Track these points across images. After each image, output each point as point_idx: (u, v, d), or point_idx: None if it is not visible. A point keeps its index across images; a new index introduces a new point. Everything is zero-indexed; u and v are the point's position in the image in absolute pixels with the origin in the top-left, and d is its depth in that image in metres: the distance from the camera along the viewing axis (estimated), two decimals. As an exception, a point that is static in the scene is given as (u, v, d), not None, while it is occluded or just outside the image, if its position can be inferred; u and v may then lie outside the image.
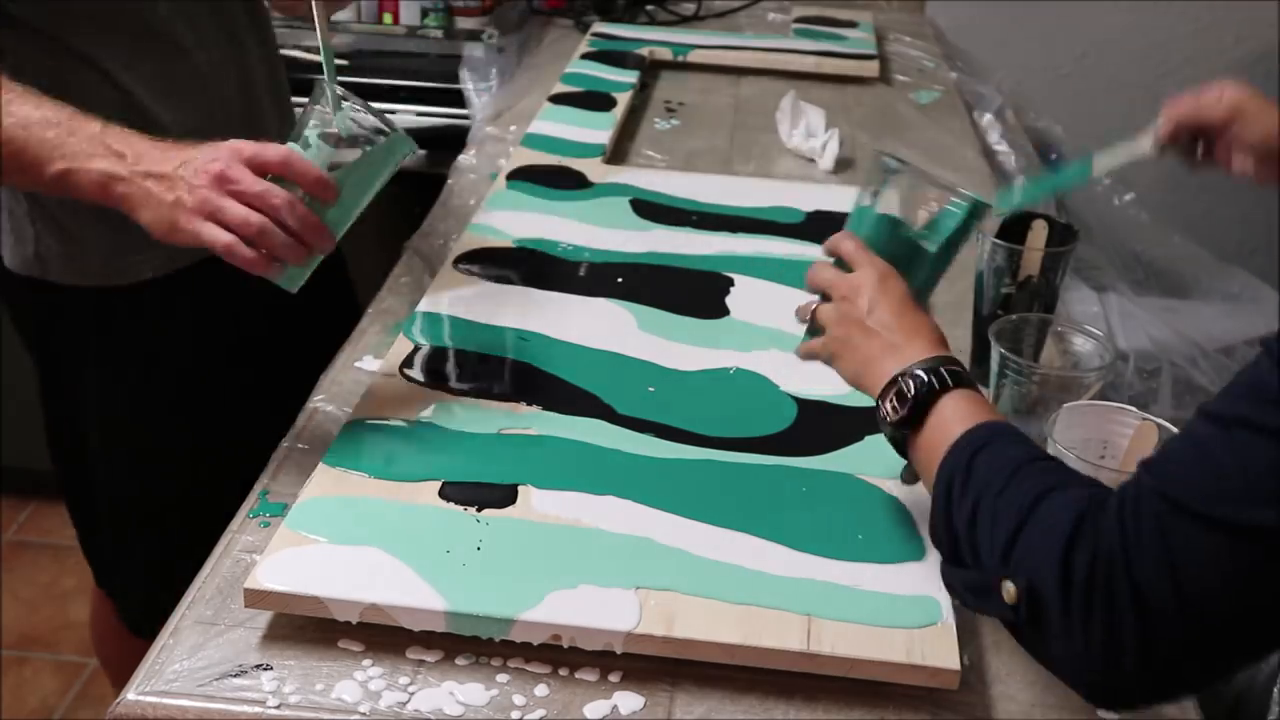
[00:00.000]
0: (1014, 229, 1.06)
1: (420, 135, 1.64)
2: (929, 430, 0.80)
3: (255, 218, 0.89)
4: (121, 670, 0.91)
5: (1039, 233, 1.06)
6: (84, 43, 1.11)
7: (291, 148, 0.92)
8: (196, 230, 0.90)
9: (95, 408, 1.24)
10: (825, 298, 0.92)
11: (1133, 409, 0.86)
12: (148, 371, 1.23)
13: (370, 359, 1.13)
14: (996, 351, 0.94)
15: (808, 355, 0.93)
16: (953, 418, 0.79)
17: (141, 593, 1.30)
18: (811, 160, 1.61)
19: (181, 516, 1.10)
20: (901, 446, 0.83)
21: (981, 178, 1.63)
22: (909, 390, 0.80)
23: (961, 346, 1.22)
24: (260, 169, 0.91)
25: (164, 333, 1.24)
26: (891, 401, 0.82)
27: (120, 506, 1.28)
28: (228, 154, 0.91)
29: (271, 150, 0.91)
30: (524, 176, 1.46)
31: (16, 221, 1.19)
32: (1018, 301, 1.05)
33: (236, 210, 0.89)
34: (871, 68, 1.94)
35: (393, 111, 1.91)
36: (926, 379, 0.80)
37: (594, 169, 1.50)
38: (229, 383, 1.25)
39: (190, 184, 0.90)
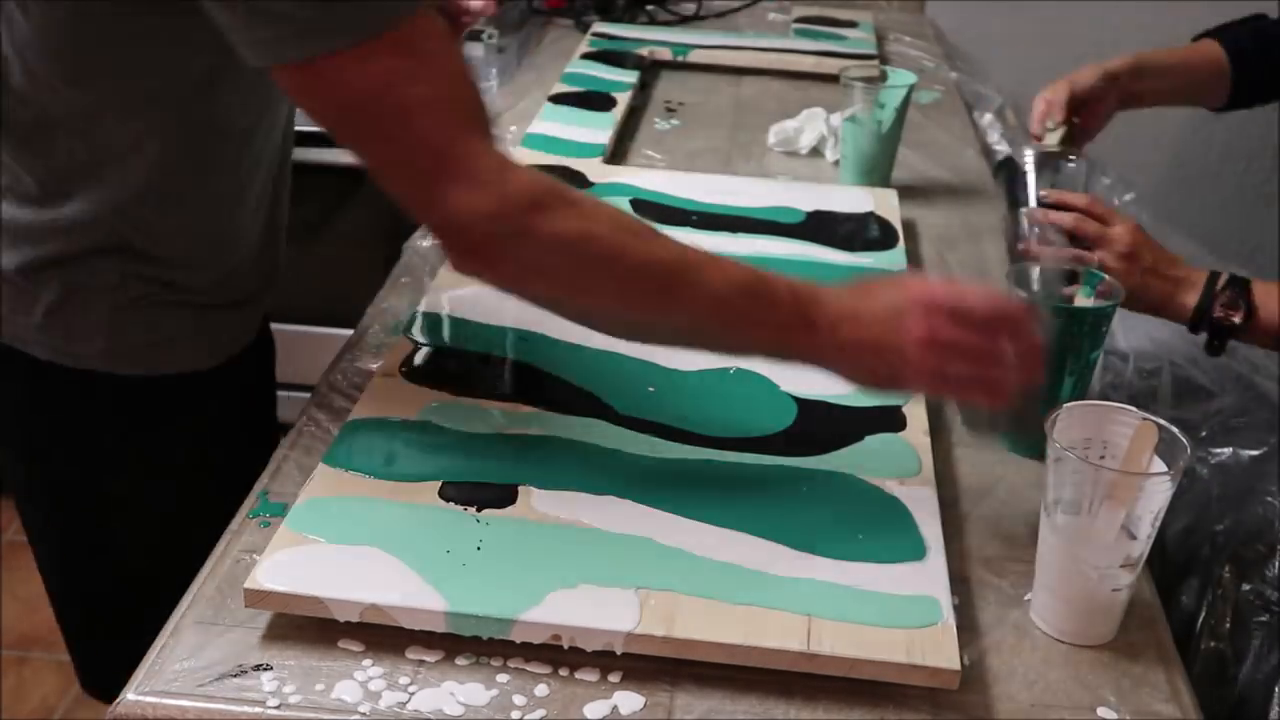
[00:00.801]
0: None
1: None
2: (1262, 311, 1.15)
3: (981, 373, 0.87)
4: None
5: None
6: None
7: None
8: (923, 389, 0.97)
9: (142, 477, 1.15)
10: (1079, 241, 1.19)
11: (1133, 409, 0.86)
12: (193, 454, 1.15)
13: (370, 359, 1.13)
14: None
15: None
16: (1266, 294, 1.15)
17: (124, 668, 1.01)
18: (803, 154, 1.64)
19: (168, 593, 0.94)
20: (1226, 338, 1.16)
21: (982, 178, 1.63)
22: (1237, 296, 1.15)
23: (962, 346, 1.22)
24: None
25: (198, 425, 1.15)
26: (1223, 309, 1.15)
27: (130, 583, 1.20)
28: (923, 310, 0.86)
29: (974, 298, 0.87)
30: (524, 176, 1.46)
31: (74, 314, 1.07)
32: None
33: (962, 371, 0.87)
34: (871, 67, 1.94)
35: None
36: (1236, 283, 1.15)
37: (594, 169, 1.50)
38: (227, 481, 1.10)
39: (904, 357, 0.86)
